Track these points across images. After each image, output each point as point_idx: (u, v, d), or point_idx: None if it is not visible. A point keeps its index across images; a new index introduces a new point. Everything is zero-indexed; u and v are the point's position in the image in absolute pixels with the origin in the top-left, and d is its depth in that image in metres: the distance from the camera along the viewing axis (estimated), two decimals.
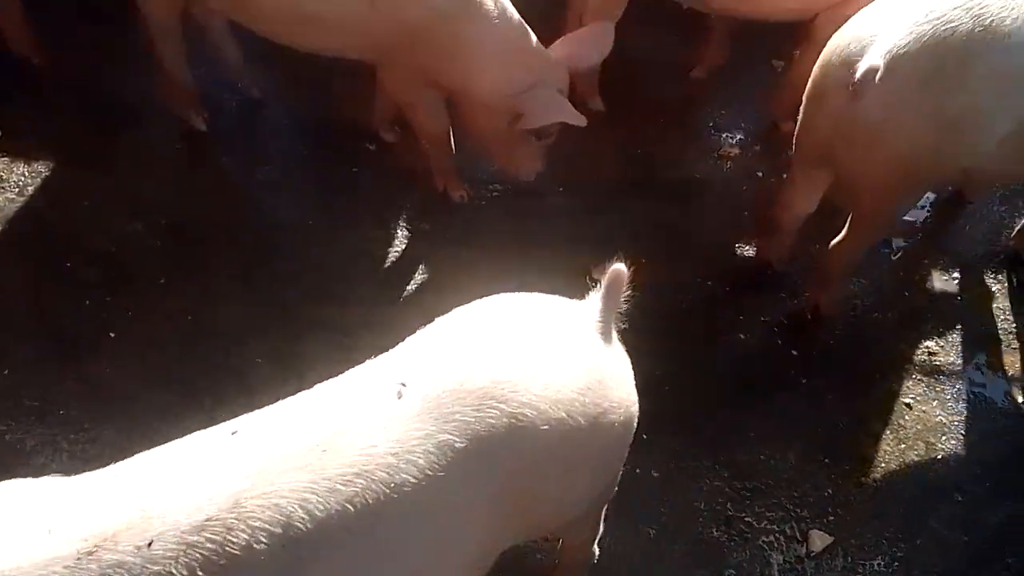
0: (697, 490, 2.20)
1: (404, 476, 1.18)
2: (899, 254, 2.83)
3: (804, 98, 2.13)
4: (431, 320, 2.42)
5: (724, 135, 3.16)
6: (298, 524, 1.11)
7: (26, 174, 2.67)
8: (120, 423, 2.12)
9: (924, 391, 2.48)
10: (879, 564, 2.12)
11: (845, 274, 2.49)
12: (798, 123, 2.20)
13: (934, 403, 2.45)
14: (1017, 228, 2.81)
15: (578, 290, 2.52)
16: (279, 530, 1.09)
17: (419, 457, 1.20)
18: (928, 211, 2.97)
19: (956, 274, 2.79)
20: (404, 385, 1.28)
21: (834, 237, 2.43)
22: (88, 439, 2.11)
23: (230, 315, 2.41)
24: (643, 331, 2.48)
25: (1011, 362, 2.58)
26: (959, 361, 2.56)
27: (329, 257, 2.59)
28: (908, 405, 2.44)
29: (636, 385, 2.35)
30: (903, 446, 2.35)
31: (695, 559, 2.10)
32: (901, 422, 2.40)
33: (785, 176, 2.55)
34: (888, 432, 2.37)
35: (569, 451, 1.39)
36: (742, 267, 2.72)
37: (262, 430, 1.22)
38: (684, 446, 2.28)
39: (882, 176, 2.05)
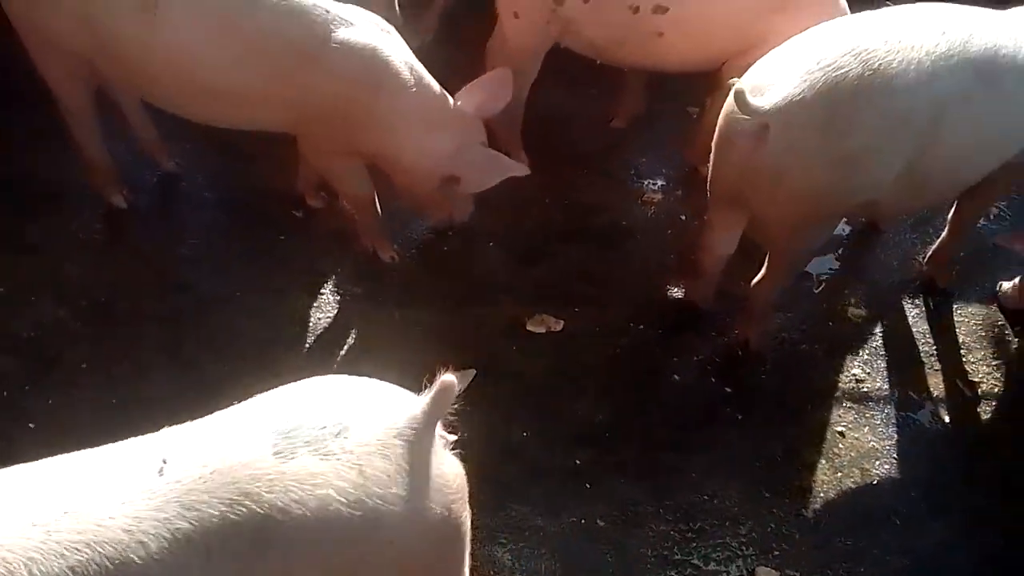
0: (643, 536, 2.20)
1: (131, 556, 1.13)
2: (822, 286, 2.93)
3: (712, 145, 2.22)
4: None
5: (646, 181, 3.25)
6: None
7: None
8: None
9: (855, 418, 2.54)
10: None
11: (769, 310, 2.56)
12: (709, 169, 2.28)
13: (865, 429, 2.52)
14: (928, 254, 2.94)
15: (514, 344, 2.58)
16: None
17: (151, 540, 1.14)
18: (846, 242, 3.09)
19: (876, 301, 2.89)
20: (165, 462, 1.21)
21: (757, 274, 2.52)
22: None
23: (158, 395, 2.34)
24: (579, 379, 2.54)
25: (935, 383, 2.68)
26: (886, 386, 2.64)
27: (260, 328, 2.55)
28: (841, 433, 2.50)
29: (575, 435, 2.39)
30: (839, 474, 2.39)
31: None
32: (835, 451, 2.45)
33: (701, 221, 2.63)
34: (824, 461, 2.42)
35: (342, 564, 1.28)
36: (672, 309, 2.77)
37: (21, 483, 1.18)
38: (628, 493, 2.28)
39: (789, 215, 2.14)
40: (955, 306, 2.90)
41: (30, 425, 2.24)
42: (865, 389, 2.63)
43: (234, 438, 1.27)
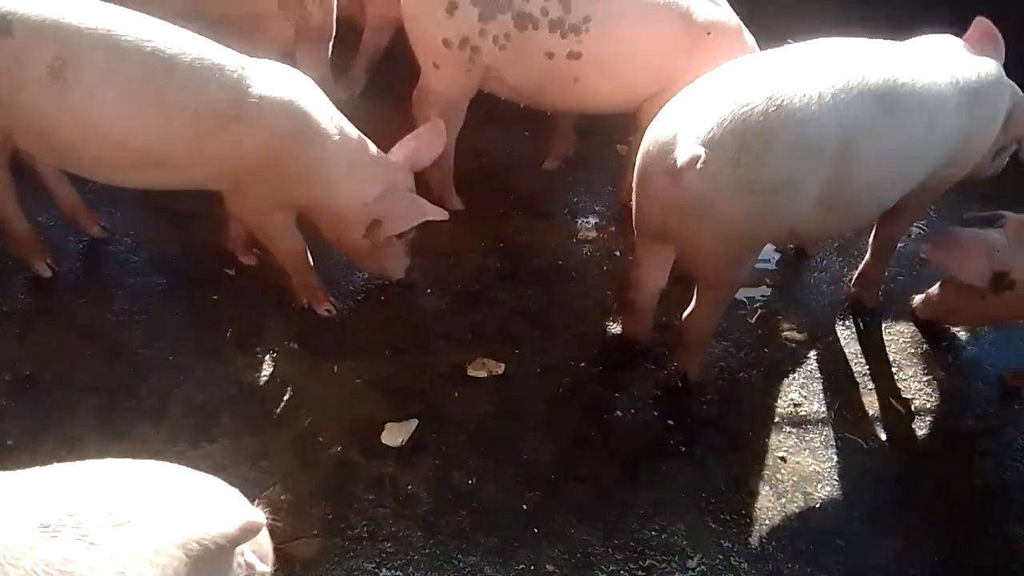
0: None
1: None
2: (756, 313, 2.99)
3: (633, 184, 2.28)
4: (309, 448, 2.38)
5: (580, 220, 3.30)
6: None
7: None
8: None
9: (795, 443, 2.58)
10: None
11: (704, 340, 2.60)
12: (633, 207, 2.34)
13: (805, 453, 2.56)
14: (855, 276, 3.03)
15: (456, 390, 2.56)
16: None
17: None
18: (775, 269, 3.18)
19: (808, 325, 2.96)
20: None
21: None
22: None
23: None
24: (523, 421, 2.54)
25: (870, 403, 2.74)
26: (823, 409, 2.69)
27: (194, 391, 2.50)
28: (782, 459, 2.53)
29: (522, 478, 2.38)
30: (783, 500, 2.42)
31: None
32: (778, 476, 2.48)
33: (631, 257, 2.67)
34: (767, 488, 2.44)
35: None
36: (611, 345, 2.80)
37: None
38: (577, 533, 2.27)
39: (713, 247, 2.20)
40: (884, 325, 2.99)
41: None
42: (803, 412, 2.68)
43: (14, 498, 1.18)
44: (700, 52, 2.76)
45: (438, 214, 2.63)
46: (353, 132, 2.55)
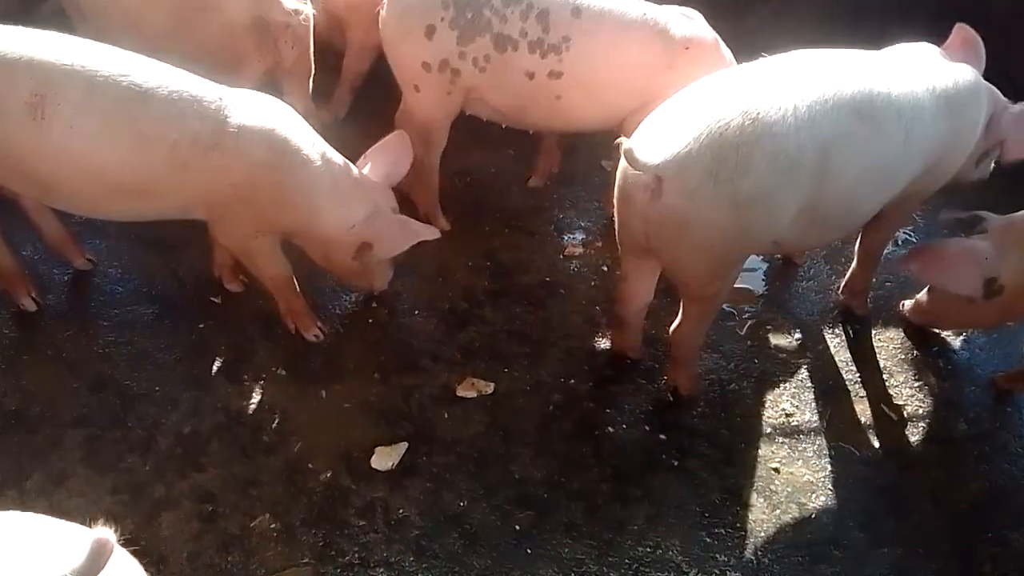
0: None
1: None
2: (745, 324, 2.99)
3: (614, 200, 2.28)
4: (299, 475, 2.37)
5: (567, 236, 3.30)
6: None
7: None
8: None
9: (788, 453, 2.57)
10: None
11: (693, 353, 2.60)
12: (616, 222, 2.34)
13: (799, 463, 2.54)
14: (843, 284, 3.03)
15: (446, 411, 2.54)
16: None
17: None
18: (764, 279, 3.18)
19: (798, 334, 2.96)
20: None
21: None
22: None
23: (74, 505, 2.24)
24: (515, 440, 2.52)
25: (862, 410, 2.73)
26: (815, 418, 2.68)
27: (182, 421, 2.48)
28: (776, 469, 2.52)
29: (514, 498, 2.36)
30: (777, 511, 2.40)
31: None
32: (772, 487, 2.47)
33: (617, 273, 2.67)
34: (761, 500, 2.43)
35: None
36: (601, 361, 2.79)
37: None
38: (571, 553, 2.25)
39: (696, 261, 2.21)
40: (874, 332, 2.99)
41: None
42: (795, 422, 2.67)
43: None
44: (679, 67, 2.77)
45: (430, 234, 2.64)
46: (335, 157, 2.55)
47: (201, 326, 2.77)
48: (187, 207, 2.44)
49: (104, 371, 2.61)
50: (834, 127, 2.12)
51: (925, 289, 2.84)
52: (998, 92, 2.68)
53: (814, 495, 2.46)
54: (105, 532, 1.12)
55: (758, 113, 2.04)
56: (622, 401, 2.68)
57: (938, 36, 2.71)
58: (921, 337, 2.96)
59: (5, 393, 2.52)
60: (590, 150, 3.52)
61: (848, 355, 2.91)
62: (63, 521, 1.27)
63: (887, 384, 2.81)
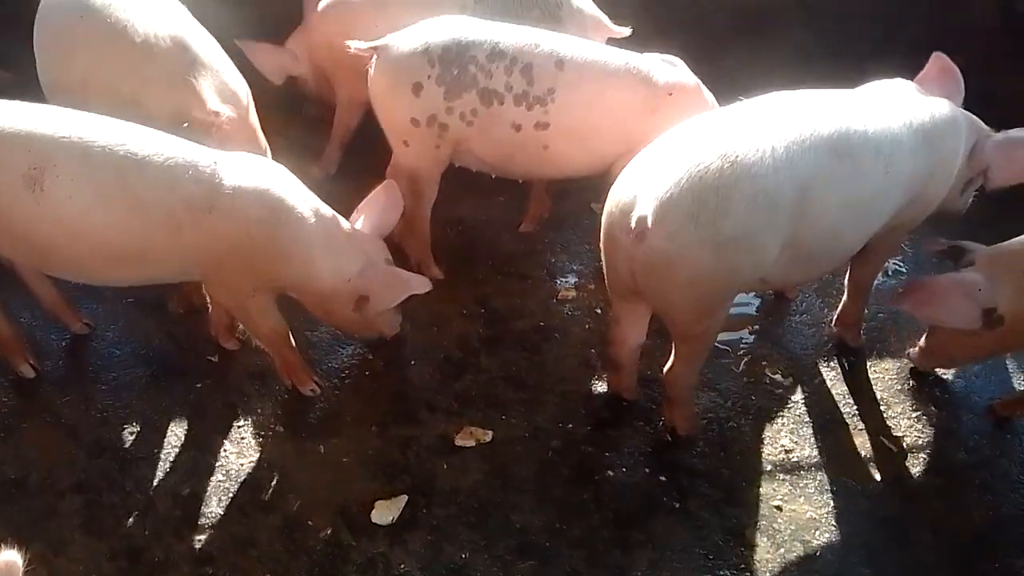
0: None
1: None
2: (741, 361, 2.99)
3: (601, 243, 2.31)
4: (299, 533, 2.35)
5: (559, 280, 3.33)
6: None
7: None
8: None
9: (789, 490, 2.56)
10: None
11: (688, 393, 2.61)
12: (604, 266, 2.37)
13: (801, 500, 2.53)
14: (835, 316, 3.05)
15: (444, 462, 2.54)
16: None
17: None
18: (757, 314, 3.20)
19: (794, 369, 2.97)
20: None
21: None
22: None
23: (77, 569, 2.24)
24: (514, 488, 2.51)
25: (861, 443, 2.72)
26: (815, 453, 2.68)
27: (180, 482, 2.48)
28: (778, 507, 2.51)
29: (516, 548, 2.35)
30: (782, 550, 2.39)
31: None
32: (775, 526, 2.45)
33: (610, 316, 2.69)
34: (765, 539, 2.41)
35: None
36: (599, 404, 2.79)
37: None
38: None
39: (682, 302, 2.23)
40: (869, 364, 3.00)
41: None
42: (795, 458, 2.66)
43: None
44: (663, 113, 2.82)
45: (423, 286, 2.66)
46: (328, 212, 2.59)
47: (198, 386, 2.78)
48: (185, 270, 2.48)
49: (102, 435, 2.61)
50: (812, 166, 2.16)
51: (924, 335, 2.84)
52: (978, 121, 2.73)
53: (818, 532, 2.44)
54: (11, 555, 1.07)
55: (736, 156, 2.08)
56: (620, 444, 2.67)
57: (917, 68, 2.76)
58: (916, 368, 2.97)
59: (4, 461, 2.52)
60: (580, 194, 3.56)
61: (845, 388, 2.91)
62: None
63: (885, 415, 2.81)
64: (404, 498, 2.45)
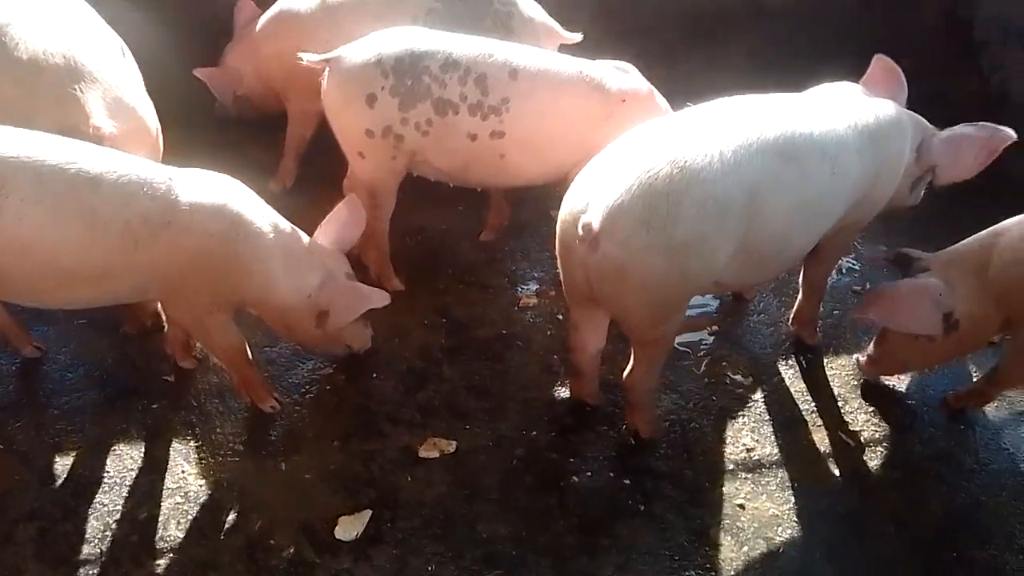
0: None
1: None
2: (701, 362, 3.02)
3: (557, 251, 2.33)
4: (261, 553, 2.31)
5: (520, 287, 3.33)
6: None
7: None
8: None
9: (752, 488, 2.59)
10: None
11: (649, 396, 2.62)
12: (561, 273, 2.38)
13: (763, 497, 2.56)
14: (791, 315, 3.10)
15: (408, 474, 2.52)
16: None
17: None
18: (716, 315, 3.23)
19: (753, 368, 3.01)
20: None
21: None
22: None
23: None
24: (480, 498, 2.50)
25: (820, 439, 2.77)
26: (776, 451, 2.71)
27: (138, 506, 2.43)
28: (741, 506, 2.53)
29: (482, 558, 2.34)
30: (745, 548, 2.41)
31: None
32: (739, 525, 2.48)
33: (568, 322, 2.70)
34: (729, 538, 2.43)
35: None
36: (561, 410, 2.80)
37: None
38: None
39: (638, 307, 2.25)
40: (826, 361, 3.05)
41: None
42: (756, 457, 2.69)
43: None
44: (617, 119, 2.85)
45: (382, 300, 2.65)
46: (286, 226, 2.57)
47: (154, 407, 2.72)
48: (142, 288, 2.43)
49: (56, 461, 2.54)
50: (760, 170, 2.20)
51: (872, 343, 2.88)
52: (923, 120, 2.80)
53: (780, 528, 2.47)
54: None
55: (685, 161, 2.11)
56: (584, 449, 2.68)
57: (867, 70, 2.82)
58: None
59: None
60: (538, 201, 3.57)
61: (803, 385, 2.96)
62: None
63: (842, 411, 2.86)
64: (368, 513, 2.42)
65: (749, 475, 2.63)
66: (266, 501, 2.46)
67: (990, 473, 2.68)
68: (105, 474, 2.51)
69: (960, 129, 2.77)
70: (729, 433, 2.77)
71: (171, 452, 2.59)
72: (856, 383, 2.97)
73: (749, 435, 2.76)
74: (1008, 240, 2.46)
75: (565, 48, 3.30)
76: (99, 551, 2.30)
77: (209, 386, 2.80)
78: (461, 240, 3.53)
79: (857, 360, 2.94)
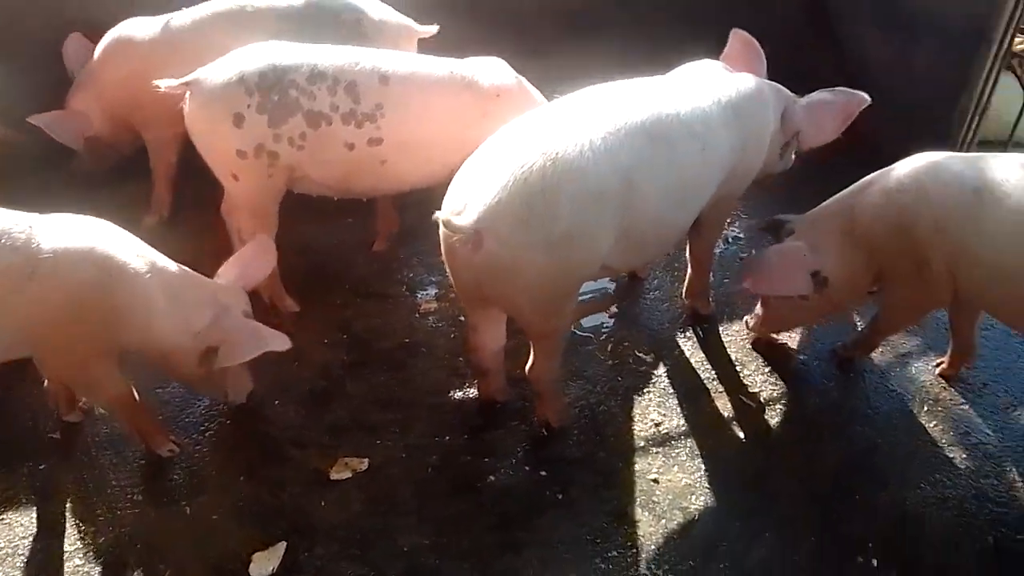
0: None
1: None
2: (604, 346, 3.07)
3: (443, 255, 2.31)
4: None
5: (419, 293, 3.31)
6: None
7: None
8: None
9: (663, 462, 2.65)
10: None
11: (554, 386, 2.65)
12: (450, 276, 2.37)
13: (675, 469, 2.63)
14: (684, 289, 3.19)
15: (321, 499, 2.45)
16: None
17: None
18: (615, 297, 3.29)
19: (654, 345, 3.08)
20: None
21: None
22: None
23: None
24: (397, 512, 2.47)
25: (723, 405, 2.86)
26: (682, 422, 2.79)
27: (35, 566, 2.28)
28: (655, 480, 2.59)
29: (404, 571, 2.31)
30: (663, 521, 2.47)
31: None
32: (654, 499, 2.53)
33: (467, 324, 2.70)
34: (646, 513, 2.48)
35: None
36: (471, 411, 2.79)
37: None
38: None
39: (529, 302, 2.26)
40: (721, 328, 3.16)
41: None
42: (665, 430, 2.76)
43: None
44: (494, 115, 2.85)
45: (280, 343, 2.46)
46: (167, 264, 2.43)
47: (43, 467, 2.56)
48: (15, 347, 2.28)
49: None
50: (631, 154, 2.24)
51: (759, 304, 3.00)
52: (784, 89, 2.92)
53: (694, 497, 2.54)
54: None
55: (557, 153, 2.12)
56: (498, 447, 2.68)
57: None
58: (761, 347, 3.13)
59: None
60: (426, 204, 3.52)
61: (702, 355, 3.05)
62: None
63: (741, 376, 2.96)
64: (283, 544, 2.35)
65: (660, 449, 2.70)
66: (173, 549, 2.35)
67: (882, 416, 2.84)
68: None
69: (819, 95, 2.91)
70: (637, 411, 2.83)
71: (66, 513, 2.44)
72: (751, 346, 3.08)
73: (656, 410, 2.83)
74: (870, 196, 2.60)
75: (434, 47, 3.28)
76: None
77: (99, 437, 2.66)
78: (354, 253, 3.47)
79: (746, 322, 3.06)
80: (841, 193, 2.74)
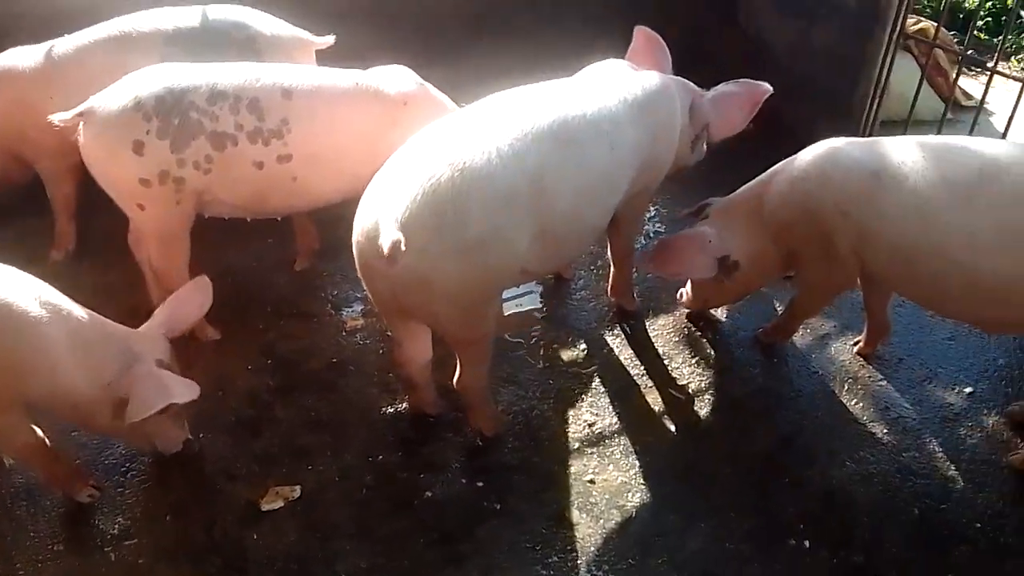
0: None
1: None
2: (534, 349, 3.08)
3: (359, 271, 2.28)
4: None
5: (345, 311, 3.25)
6: None
7: None
8: None
9: (598, 462, 2.67)
10: None
11: (483, 394, 2.64)
12: (368, 291, 2.34)
13: (610, 468, 2.65)
14: (608, 287, 3.22)
15: (254, 532, 2.37)
16: None
17: None
18: (541, 301, 3.30)
19: (583, 344, 3.10)
20: None
21: None
22: None
23: None
24: (334, 539, 2.42)
25: (653, 400, 2.90)
26: (615, 420, 2.81)
27: None
28: (591, 481, 2.61)
29: None
30: (601, 521, 2.48)
31: None
32: (591, 500, 2.55)
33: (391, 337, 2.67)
34: (584, 515, 2.50)
35: None
36: (404, 426, 2.76)
37: None
38: None
39: (448, 311, 2.24)
40: (648, 324, 3.20)
41: None
42: (598, 430, 2.78)
43: None
44: (403, 123, 2.81)
45: (187, 394, 2.32)
46: (72, 308, 2.28)
47: None
48: None
49: None
50: (539, 158, 2.24)
51: (688, 282, 3.07)
52: (690, 83, 2.97)
53: (630, 494, 2.57)
54: None
55: (464, 162, 2.11)
56: (433, 461, 2.66)
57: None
58: (689, 316, 3.21)
59: None
60: (347, 219, 3.48)
61: (631, 352, 3.08)
62: None
63: (669, 369, 3.01)
64: None
65: (594, 449, 2.71)
66: None
67: (805, 398, 2.92)
68: None
69: (724, 87, 2.97)
70: (570, 413, 2.84)
71: None
72: (677, 339, 3.13)
73: (588, 411, 2.84)
74: (777, 184, 2.67)
75: (334, 57, 3.22)
76: None
77: (14, 488, 2.53)
78: (275, 273, 3.40)
79: (680, 294, 3.16)
80: (752, 181, 2.80)
